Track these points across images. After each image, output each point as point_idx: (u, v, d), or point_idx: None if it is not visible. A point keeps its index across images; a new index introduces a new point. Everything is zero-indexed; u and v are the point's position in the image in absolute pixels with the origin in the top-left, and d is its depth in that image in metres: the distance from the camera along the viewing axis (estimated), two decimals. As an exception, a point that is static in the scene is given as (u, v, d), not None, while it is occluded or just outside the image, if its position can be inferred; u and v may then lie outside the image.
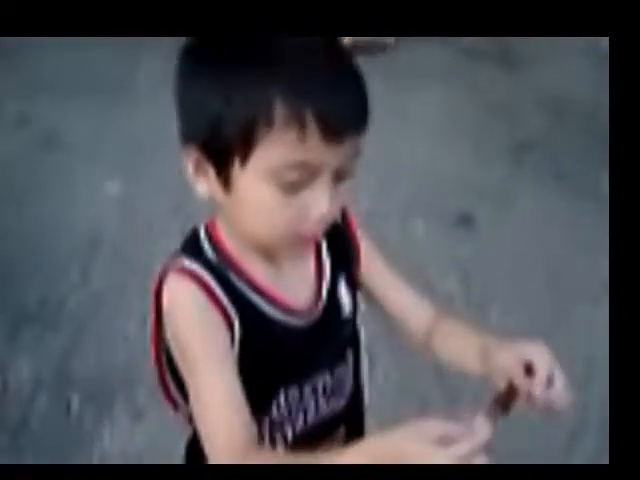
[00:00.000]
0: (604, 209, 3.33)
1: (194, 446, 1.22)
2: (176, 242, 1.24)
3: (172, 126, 1.14)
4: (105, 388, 2.65)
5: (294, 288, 1.22)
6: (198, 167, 1.11)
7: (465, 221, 3.71)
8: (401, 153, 4.15)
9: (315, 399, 1.26)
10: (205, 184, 1.12)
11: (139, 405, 2.56)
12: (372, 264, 1.33)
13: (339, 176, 1.09)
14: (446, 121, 4.51)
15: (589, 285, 3.22)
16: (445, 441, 0.92)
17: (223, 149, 1.07)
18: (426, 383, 2.64)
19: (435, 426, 0.94)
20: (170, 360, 1.19)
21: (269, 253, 1.18)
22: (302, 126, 1.01)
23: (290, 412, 1.23)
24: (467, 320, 1.33)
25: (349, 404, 1.32)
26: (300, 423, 1.25)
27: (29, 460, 2.38)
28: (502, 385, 1.14)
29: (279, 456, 1.11)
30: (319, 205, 1.08)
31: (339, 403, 1.30)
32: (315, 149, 1.03)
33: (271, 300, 1.18)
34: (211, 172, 1.10)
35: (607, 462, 1.29)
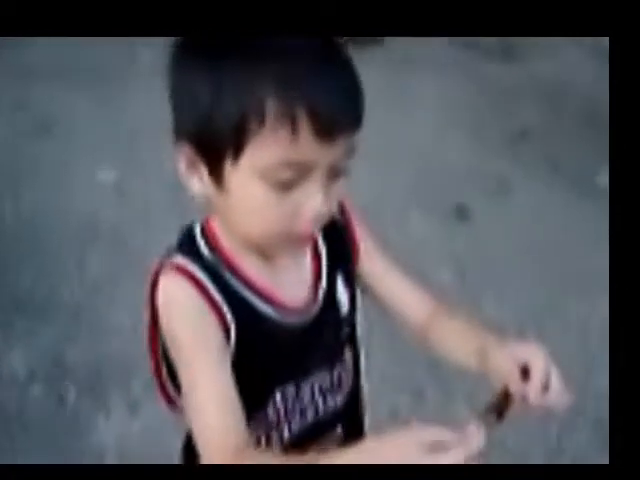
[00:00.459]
0: (600, 200, 3.35)
1: (191, 441, 1.21)
2: (172, 231, 1.23)
3: (168, 114, 1.13)
4: (100, 379, 2.65)
5: (290, 286, 1.21)
6: (190, 164, 1.10)
7: (461, 212, 3.71)
8: (398, 145, 4.15)
9: (312, 398, 1.25)
10: (198, 182, 1.11)
11: (135, 396, 2.56)
12: (372, 258, 1.32)
13: (333, 174, 1.08)
14: (443, 113, 4.51)
15: (585, 277, 3.23)
16: (438, 448, 0.91)
17: (214, 146, 1.05)
18: (421, 376, 2.64)
19: (430, 433, 0.93)
20: (166, 356, 1.18)
21: (265, 251, 1.17)
22: (294, 124, 1.00)
23: (287, 411, 1.23)
24: (466, 316, 1.32)
25: (347, 403, 1.31)
26: (297, 422, 1.24)
27: (24, 451, 2.38)
28: (498, 388, 1.14)
29: (271, 457, 1.09)
30: (312, 203, 1.06)
31: (337, 402, 1.29)
32: (307, 147, 1.02)
33: (267, 298, 1.17)
34: (203, 169, 1.09)
35: (607, 462, 1.29)
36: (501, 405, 1.11)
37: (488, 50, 5.03)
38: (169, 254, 1.16)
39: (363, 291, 1.33)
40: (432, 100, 4.60)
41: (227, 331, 1.12)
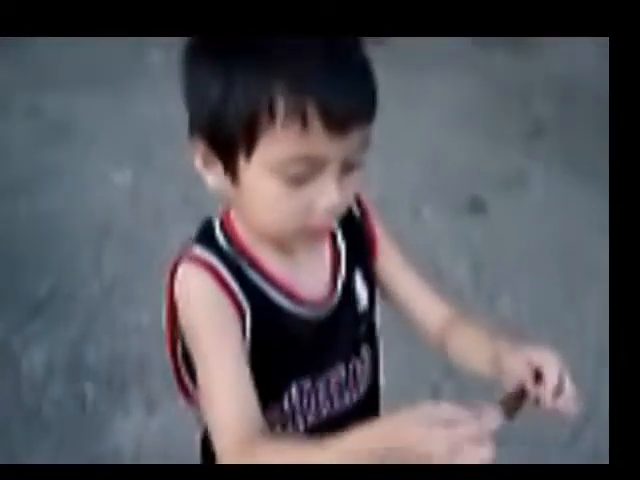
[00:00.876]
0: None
1: (208, 440, 1.22)
2: (187, 230, 1.24)
3: (181, 115, 1.14)
4: (118, 377, 2.66)
5: (308, 280, 1.21)
6: (205, 160, 1.11)
7: (476, 207, 3.71)
8: (412, 140, 4.15)
9: (328, 392, 1.25)
10: (213, 177, 1.12)
11: (153, 394, 2.57)
12: (390, 260, 1.32)
13: (348, 167, 1.08)
14: (457, 107, 4.50)
15: (601, 271, 3.21)
16: (451, 424, 0.92)
17: (227, 143, 1.06)
18: (438, 371, 2.64)
19: (444, 409, 0.93)
20: (184, 347, 1.19)
21: (282, 245, 1.18)
22: (304, 120, 1.00)
23: (302, 404, 1.23)
24: (480, 322, 1.32)
25: (364, 401, 1.31)
26: (312, 416, 1.25)
27: (43, 450, 2.40)
28: (512, 388, 1.14)
29: (284, 446, 1.09)
30: (326, 197, 1.07)
31: (353, 398, 1.29)
32: (319, 142, 1.02)
33: (284, 291, 1.18)
34: (218, 165, 1.11)
35: (607, 462, 1.29)
36: (515, 401, 1.11)
37: (500, 44, 5.01)
38: (187, 245, 1.17)
39: (379, 292, 1.33)
40: (445, 95, 4.59)
41: (243, 321, 1.13)
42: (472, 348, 1.27)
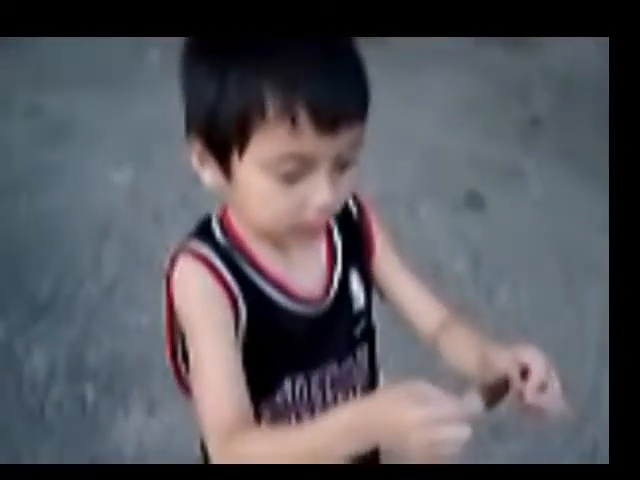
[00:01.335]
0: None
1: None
2: (186, 230, 1.26)
3: (180, 115, 1.16)
4: (120, 378, 2.66)
5: (304, 276, 1.23)
6: (201, 158, 1.14)
7: (474, 203, 3.71)
8: (409, 134, 4.15)
9: (322, 390, 1.26)
10: (209, 174, 1.15)
11: (154, 395, 2.58)
12: (385, 258, 1.33)
13: (340, 165, 1.10)
14: (454, 101, 4.50)
15: (600, 264, 3.21)
16: (428, 403, 0.94)
17: (221, 141, 1.09)
18: (437, 368, 2.64)
19: (422, 388, 0.95)
20: (183, 341, 1.20)
21: (278, 241, 1.20)
22: (294, 119, 1.02)
23: (295, 401, 1.24)
24: (474, 324, 1.33)
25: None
26: (305, 413, 1.26)
27: (45, 451, 2.40)
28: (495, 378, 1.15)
29: (271, 432, 1.12)
30: (318, 194, 1.09)
31: (349, 398, 1.30)
32: (309, 141, 1.04)
33: (279, 287, 1.20)
34: (213, 163, 1.13)
35: (607, 462, 1.29)
36: (494, 391, 1.11)
37: (499, 41, 5.01)
38: (185, 240, 1.20)
39: (376, 291, 1.34)
40: (443, 91, 4.59)
41: (238, 315, 1.15)
42: (462, 350, 1.28)
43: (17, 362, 2.73)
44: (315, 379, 1.25)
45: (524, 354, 1.14)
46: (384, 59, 4.49)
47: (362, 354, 1.32)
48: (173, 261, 1.18)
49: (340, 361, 1.28)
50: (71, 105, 4.31)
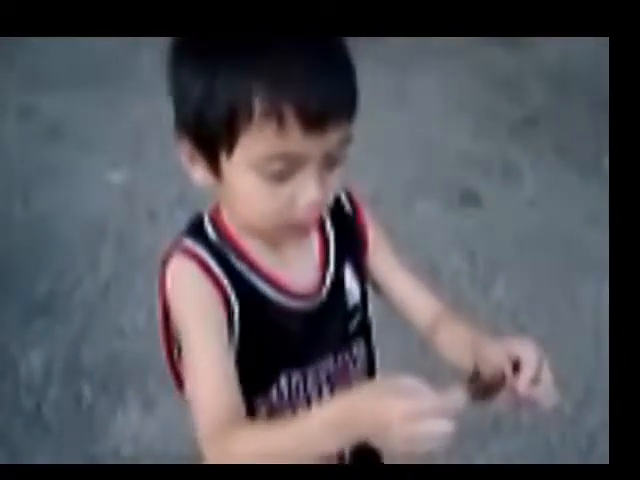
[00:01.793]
0: (607, 182, 3.34)
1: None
2: (181, 230, 1.26)
3: (174, 114, 1.16)
4: (116, 377, 2.66)
5: (297, 272, 1.24)
6: (191, 157, 1.15)
7: (470, 198, 3.71)
8: (404, 132, 4.15)
9: (318, 385, 1.27)
10: (199, 173, 1.15)
11: (150, 394, 2.58)
12: (379, 254, 1.34)
13: (329, 163, 1.10)
14: (449, 99, 4.50)
15: (595, 260, 3.22)
16: (410, 396, 0.94)
17: (210, 141, 1.10)
18: (433, 361, 2.64)
19: (405, 382, 0.96)
20: (179, 339, 1.21)
21: (270, 238, 1.20)
22: (281, 119, 1.03)
23: (291, 397, 1.25)
24: (468, 317, 1.33)
25: None
26: (302, 409, 1.26)
27: (42, 451, 2.40)
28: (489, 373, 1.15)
29: (262, 427, 1.12)
30: (307, 193, 1.09)
31: (344, 392, 1.30)
32: (296, 140, 1.05)
33: (272, 283, 1.20)
34: (202, 162, 1.14)
35: (607, 462, 1.29)
36: (486, 385, 1.11)
37: (493, 37, 5.02)
38: (178, 238, 1.20)
39: (370, 287, 1.34)
40: (438, 88, 4.59)
41: (231, 311, 1.16)
42: (456, 344, 1.29)
43: (14, 362, 2.73)
44: (311, 374, 1.26)
45: (516, 347, 1.14)
46: (379, 58, 4.50)
47: (358, 349, 1.32)
48: (166, 259, 1.19)
49: (336, 356, 1.28)
50: (65, 106, 4.30)
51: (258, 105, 1.03)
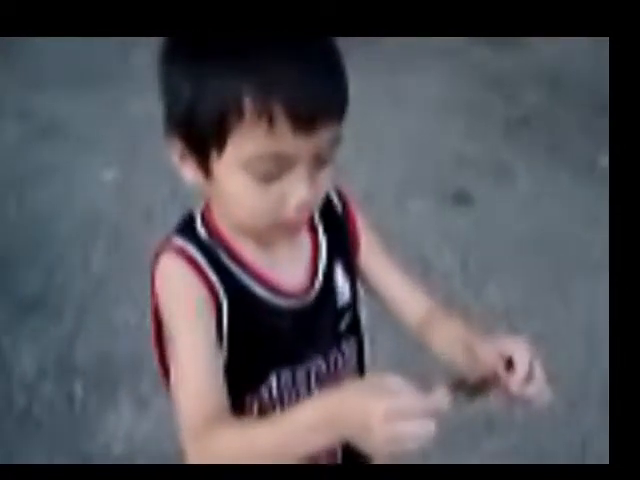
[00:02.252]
0: (601, 182, 3.35)
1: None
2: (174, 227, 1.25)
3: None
4: (109, 375, 2.66)
5: (287, 271, 1.24)
6: (181, 156, 1.15)
7: (463, 199, 3.72)
8: (396, 132, 4.16)
9: (308, 385, 1.27)
10: (190, 172, 1.16)
11: (143, 392, 2.58)
12: (370, 253, 1.34)
13: (318, 163, 1.11)
14: (441, 98, 4.51)
15: (588, 259, 3.23)
16: (393, 395, 0.94)
17: (200, 140, 1.10)
18: (427, 364, 2.65)
19: (388, 381, 0.96)
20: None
21: (261, 236, 1.20)
22: (271, 119, 1.03)
23: (282, 396, 1.25)
24: (459, 314, 1.34)
25: None
26: (292, 406, 1.26)
27: (34, 450, 2.40)
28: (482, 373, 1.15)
29: (245, 424, 1.12)
30: (297, 192, 1.10)
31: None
32: (286, 140, 1.05)
33: (261, 281, 1.21)
34: (193, 161, 1.14)
35: (607, 462, 1.30)
36: (478, 385, 1.11)
37: (487, 38, 5.03)
38: (168, 236, 1.21)
39: (362, 286, 1.35)
40: (431, 89, 4.60)
41: (220, 308, 1.16)
42: (448, 340, 1.29)
43: (5, 360, 2.72)
44: (301, 373, 1.26)
45: (508, 345, 1.15)
46: (373, 58, 4.50)
47: (349, 348, 1.32)
48: (156, 257, 1.19)
49: (326, 355, 1.29)
50: (60, 105, 4.30)
51: (248, 105, 1.03)
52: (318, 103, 1.05)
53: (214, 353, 1.14)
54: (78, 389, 2.62)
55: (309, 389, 1.27)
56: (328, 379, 1.29)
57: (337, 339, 1.31)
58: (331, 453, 1.30)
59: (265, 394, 1.24)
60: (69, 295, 3.03)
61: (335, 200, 1.31)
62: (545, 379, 1.14)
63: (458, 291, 3.09)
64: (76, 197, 3.62)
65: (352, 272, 1.31)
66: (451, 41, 4.80)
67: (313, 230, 1.28)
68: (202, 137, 1.09)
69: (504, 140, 4.19)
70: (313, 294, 1.25)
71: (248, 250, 1.21)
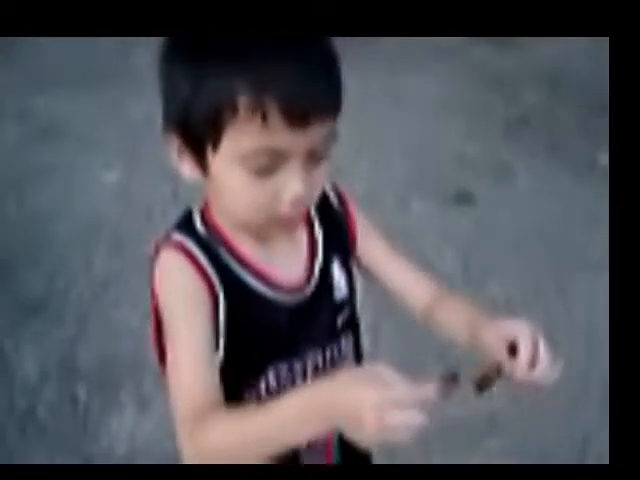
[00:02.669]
0: (600, 181, 3.36)
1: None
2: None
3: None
4: (111, 377, 2.67)
5: (285, 265, 1.25)
6: (179, 153, 1.17)
7: (464, 198, 3.72)
8: (397, 132, 4.16)
9: (305, 379, 1.28)
10: (188, 168, 1.17)
11: (145, 394, 2.58)
12: (371, 243, 1.36)
13: (313, 159, 1.12)
14: (441, 98, 4.51)
15: (588, 257, 3.24)
16: (384, 386, 0.94)
17: (196, 137, 1.12)
18: (428, 362, 2.65)
19: (380, 372, 0.96)
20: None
21: (258, 231, 1.22)
22: (265, 114, 1.05)
23: (279, 389, 1.25)
24: (464, 297, 1.35)
25: None
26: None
27: (37, 451, 2.40)
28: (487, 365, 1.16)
29: (241, 415, 1.11)
30: (291, 187, 1.11)
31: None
32: (280, 135, 1.07)
33: (258, 275, 1.22)
34: (190, 157, 1.16)
35: (607, 462, 1.30)
36: (486, 378, 1.12)
37: (486, 37, 5.03)
38: (168, 232, 1.22)
39: (366, 276, 1.37)
40: (432, 88, 4.60)
41: (217, 303, 1.17)
42: (452, 317, 1.31)
43: (8, 363, 2.73)
44: (298, 368, 1.27)
45: (511, 329, 1.16)
46: (373, 58, 4.51)
47: (346, 343, 1.33)
48: (156, 252, 1.21)
49: (323, 350, 1.29)
50: (60, 105, 4.30)
51: (242, 101, 1.05)
52: (311, 99, 1.07)
53: (210, 347, 1.15)
54: (81, 391, 2.62)
55: (306, 382, 1.27)
56: (325, 374, 1.29)
57: (334, 334, 1.32)
58: (324, 442, 1.30)
59: (263, 388, 1.24)
60: (71, 297, 3.03)
61: (331, 195, 1.33)
62: (550, 359, 1.14)
63: (459, 290, 3.08)
64: (76, 198, 3.62)
65: (349, 267, 1.33)
66: (451, 41, 4.80)
67: (310, 225, 1.30)
68: (198, 133, 1.11)
69: (504, 140, 4.19)
70: (310, 289, 1.26)
71: (246, 245, 1.22)
